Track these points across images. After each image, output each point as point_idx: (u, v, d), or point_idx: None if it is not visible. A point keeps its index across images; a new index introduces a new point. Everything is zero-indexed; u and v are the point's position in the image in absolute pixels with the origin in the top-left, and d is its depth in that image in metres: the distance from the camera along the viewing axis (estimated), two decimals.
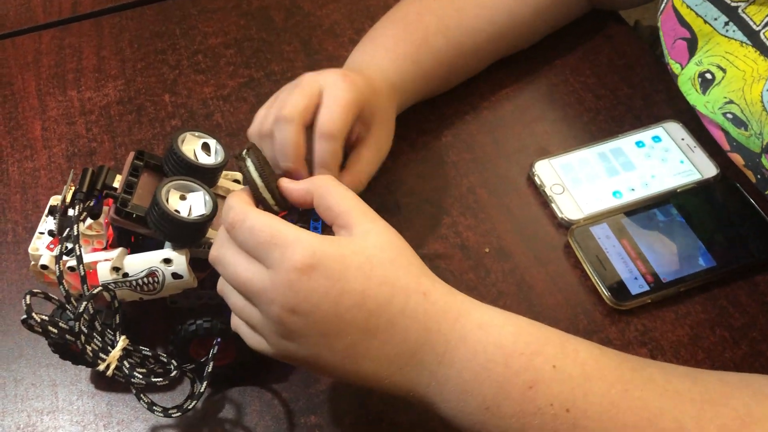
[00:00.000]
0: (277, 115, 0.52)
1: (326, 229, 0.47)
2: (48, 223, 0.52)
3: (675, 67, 0.66)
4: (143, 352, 0.48)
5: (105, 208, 0.51)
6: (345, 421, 0.52)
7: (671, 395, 0.40)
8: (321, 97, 0.52)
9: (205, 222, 0.47)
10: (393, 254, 0.43)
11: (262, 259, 0.42)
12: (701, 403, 0.40)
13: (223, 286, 0.46)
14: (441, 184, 0.66)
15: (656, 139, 0.67)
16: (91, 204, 0.48)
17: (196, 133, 0.52)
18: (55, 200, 0.54)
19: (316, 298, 0.40)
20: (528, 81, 0.73)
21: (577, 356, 0.42)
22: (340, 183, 0.46)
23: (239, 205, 0.44)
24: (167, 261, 0.48)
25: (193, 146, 0.52)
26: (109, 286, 0.48)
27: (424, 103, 0.70)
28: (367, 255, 0.42)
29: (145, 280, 0.48)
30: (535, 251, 0.61)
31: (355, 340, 0.41)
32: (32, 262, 0.51)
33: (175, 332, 0.51)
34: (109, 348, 0.46)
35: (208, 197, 0.48)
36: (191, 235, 0.48)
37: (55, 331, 0.45)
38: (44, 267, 0.49)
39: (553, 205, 0.63)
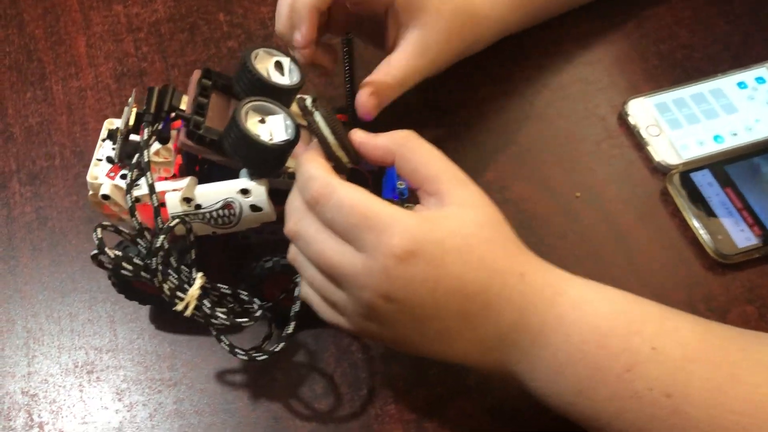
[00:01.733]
0: None
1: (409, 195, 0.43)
2: (105, 148, 0.47)
3: None
4: (221, 290, 0.44)
5: (172, 132, 0.46)
6: (429, 371, 0.48)
7: None
8: None
9: (289, 149, 0.42)
10: (490, 233, 0.39)
11: (354, 240, 0.38)
12: None
13: (296, 256, 0.42)
14: (525, 121, 0.61)
15: (760, 80, 0.61)
16: (159, 127, 0.43)
17: (270, 51, 0.47)
18: (110, 123, 0.48)
19: (414, 285, 0.37)
20: (616, 13, 0.66)
21: (678, 335, 0.38)
22: (423, 140, 0.41)
23: (323, 176, 0.39)
24: (245, 192, 0.43)
25: (265, 65, 0.46)
26: (180, 218, 0.43)
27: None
28: (464, 235, 0.38)
29: (221, 212, 0.44)
30: (629, 197, 0.56)
31: (449, 325, 0.38)
32: (90, 192, 0.46)
33: (248, 270, 0.47)
34: (185, 286, 0.42)
35: (289, 121, 0.43)
36: (272, 163, 0.43)
37: (130, 267, 0.40)
38: (105, 197, 0.45)
39: (648, 148, 0.58)
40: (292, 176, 0.44)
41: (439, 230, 0.37)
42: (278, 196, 0.45)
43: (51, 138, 0.61)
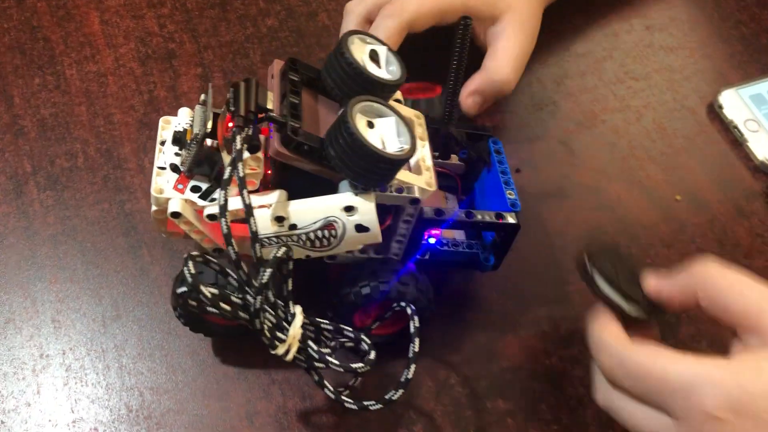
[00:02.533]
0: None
1: None
2: (166, 154, 0.39)
3: None
4: (321, 325, 0.37)
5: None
6: (540, 406, 0.43)
7: None
8: None
9: (409, 156, 0.35)
10: None
11: (662, 407, 0.33)
12: None
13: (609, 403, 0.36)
14: (611, 113, 0.55)
15: None
16: (250, 132, 0.35)
17: (364, 37, 0.40)
18: (166, 123, 0.40)
19: None
20: None
21: None
22: (726, 267, 0.34)
23: (607, 345, 0.34)
24: (349, 209, 0.36)
25: (360, 55, 0.39)
26: (270, 240, 0.36)
27: (582, 16, 0.58)
28: None
29: (319, 233, 0.37)
30: (733, 200, 0.51)
31: None
32: (154, 208, 0.38)
33: (339, 296, 0.40)
34: (285, 324, 0.35)
35: (402, 127, 0.36)
36: (386, 176, 0.36)
37: (227, 308, 0.33)
38: (176, 215, 0.37)
39: (748, 145, 0.53)
40: (399, 190, 0.38)
41: (761, 380, 0.31)
42: (381, 213, 0.38)
43: (70, 133, 0.52)
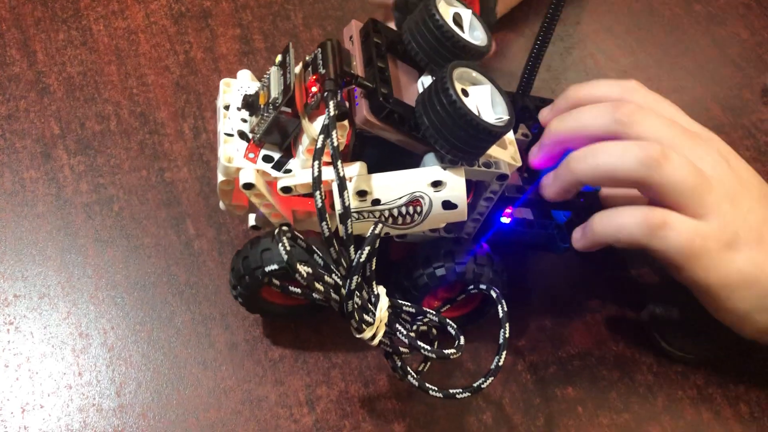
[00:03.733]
0: None
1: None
2: (233, 119, 0.36)
3: None
4: (405, 308, 0.34)
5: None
6: (610, 394, 0.41)
7: None
8: None
9: (510, 128, 0.33)
10: None
11: None
12: None
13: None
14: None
15: None
16: (338, 98, 0.32)
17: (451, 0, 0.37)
18: (227, 86, 0.37)
19: None
20: None
21: None
22: None
23: None
24: (437, 184, 0.34)
25: (446, 17, 0.36)
26: (353, 218, 0.33)
27: None
28: None
29: (404, 210, 0.34)
30: None
31: None
32: (221, 178, 0.35)
33: (412, 279, 0.38)
34: (370, 306, 0.32)
35: (498, 96, 0.34)
36: (482, 147, 0.33)
37: (321, 288, 0.30)
38: (248, 186, 0.33)
39: None
40: (487, 165, 0.35)
41: None
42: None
43: (100, 93, 0.48)
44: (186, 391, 0.39)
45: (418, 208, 0.34)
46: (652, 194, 0.36)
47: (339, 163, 0.30)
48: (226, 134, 0.35)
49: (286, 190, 0.34)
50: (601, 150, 0.36)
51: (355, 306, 0.32)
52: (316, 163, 0.30)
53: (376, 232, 0.31)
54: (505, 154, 0.36)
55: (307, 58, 0.34)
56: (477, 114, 0.33)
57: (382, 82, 0.33)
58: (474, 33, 0.37)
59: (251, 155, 0.35)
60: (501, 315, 0.35)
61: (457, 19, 0.37)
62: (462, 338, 0.34)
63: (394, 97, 0.33)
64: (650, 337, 0.43)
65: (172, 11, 0.51)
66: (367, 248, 0.30)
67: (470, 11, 0.37)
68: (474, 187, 0.37)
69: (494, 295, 0.36)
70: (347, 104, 0.34)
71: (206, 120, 0.47)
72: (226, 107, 0.36)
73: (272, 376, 0.39)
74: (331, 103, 0.31)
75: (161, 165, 0.45)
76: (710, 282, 0.36)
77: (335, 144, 0.31)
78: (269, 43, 0.51)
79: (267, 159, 0.35)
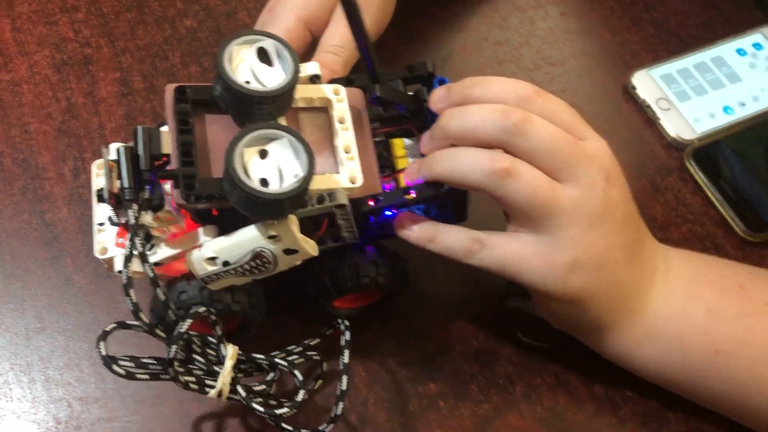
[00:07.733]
0: None
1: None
2: (103, 208, 0.38)
3: None
4: (257, 360, 0.37)
5: (165, 187, 0.37)
6: (470, 387, 0.44)
7: None
8: None
9: (307, 185, 0.34)
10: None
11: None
12: None
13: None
14: None
15: (757, 46, 0.59)
16: (146, 196, 0.34)
17: (247, 37, 0.36)
18: (98, 167, 0.38)
19: None
20: None
21: None
22: None
23: None
24: (273, 237, 0.35)
25: (247, 62, 0.36)
26: (211, 278, 0.36)
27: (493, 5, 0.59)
28: None
29: (252, 264, 0.36)
30: (648, 176, 0.53)
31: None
32: (104, 265, 0.38)
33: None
34: (215, 368, 0.35)
35: (298, 144, 0.34)
36: (292, 206, 0.35)
37: (146, 376, 0.33)
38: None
39: (660, 123, 0.55)
40: (320, 200, 0.36)
41: None
42: (310, 225, 0.38)
43: None
44: (63, 419, 0.41)
45: (266, 259, 0.36)
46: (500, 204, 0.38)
47: (146, 266, 0.34)
48: (98, 224, 0.38)
49: (159, 264, 0.37)
50: (457, 155, 0.38)
51: (198, 372, 0.34)
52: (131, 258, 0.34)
53: (200, 311, 0.34)
54: (339, 179, 0.37)
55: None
56: (278, 175, 0.34)
57: (185, 163, 0.34)
58: (283, 63, 0.37)
59: (121, 240, 0.37)
60: (343, 343, 0.38)
61: (264, 54, 0.36)
62: (301, 393, 0.36)
63: (200, 179, 0.34)
64: (509, 329, 0.45)
65: (55, 60, 0.54)
66: (188, 321, 0.33)
67: (273, 41, 0.37)
68: (326, 218, 0.38)
69: (342, 327, 0.38)
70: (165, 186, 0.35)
71: (86, 161, 0.50)
72: (99, 191, 0.36)
73: (147, 397, 0.42)
74: (129, 212, 0.33)
75: (42, 207, 0.48)
76: (536, 285, 0.39)
77: (139, 250, 0.34)
78: (148, 83, 0.54)
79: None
